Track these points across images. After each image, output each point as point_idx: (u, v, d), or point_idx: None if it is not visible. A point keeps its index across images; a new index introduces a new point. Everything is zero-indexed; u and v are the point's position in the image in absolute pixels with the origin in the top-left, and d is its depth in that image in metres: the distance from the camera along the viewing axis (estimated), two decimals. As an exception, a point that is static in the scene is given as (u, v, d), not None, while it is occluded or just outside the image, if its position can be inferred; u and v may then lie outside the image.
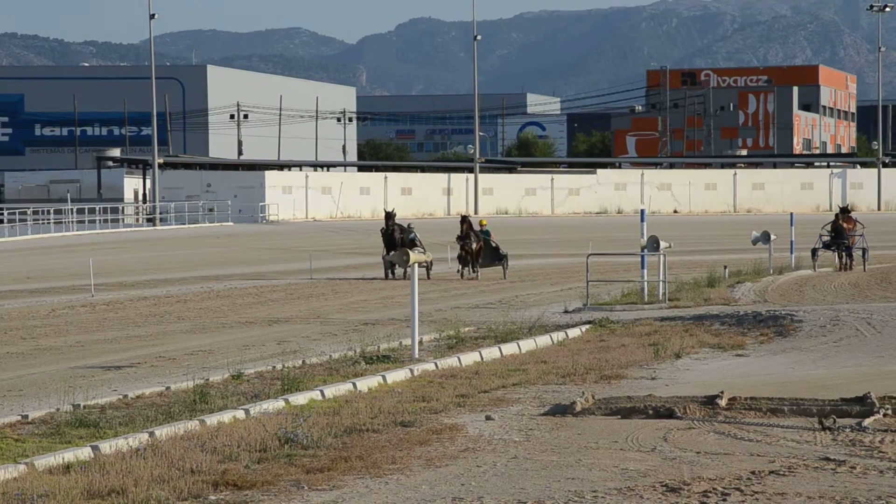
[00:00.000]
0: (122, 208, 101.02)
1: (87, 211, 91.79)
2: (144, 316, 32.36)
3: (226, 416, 15.68)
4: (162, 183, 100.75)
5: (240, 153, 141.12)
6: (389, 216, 47.89)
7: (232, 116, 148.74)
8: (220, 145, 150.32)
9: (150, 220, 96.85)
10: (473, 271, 45.61)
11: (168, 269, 50.43)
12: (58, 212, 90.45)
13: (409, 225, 47.44)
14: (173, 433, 14.62)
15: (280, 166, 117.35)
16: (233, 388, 18.35)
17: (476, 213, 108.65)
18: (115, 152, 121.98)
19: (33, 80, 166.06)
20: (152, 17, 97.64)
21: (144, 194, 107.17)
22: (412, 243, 45.31)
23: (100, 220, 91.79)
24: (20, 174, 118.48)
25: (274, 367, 20.53)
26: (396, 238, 46.47)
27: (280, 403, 16.77)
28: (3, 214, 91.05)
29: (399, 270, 44.74)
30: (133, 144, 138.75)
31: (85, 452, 13.51)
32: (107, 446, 13.79)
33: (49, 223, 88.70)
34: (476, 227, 46.10)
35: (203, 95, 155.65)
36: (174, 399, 17.17)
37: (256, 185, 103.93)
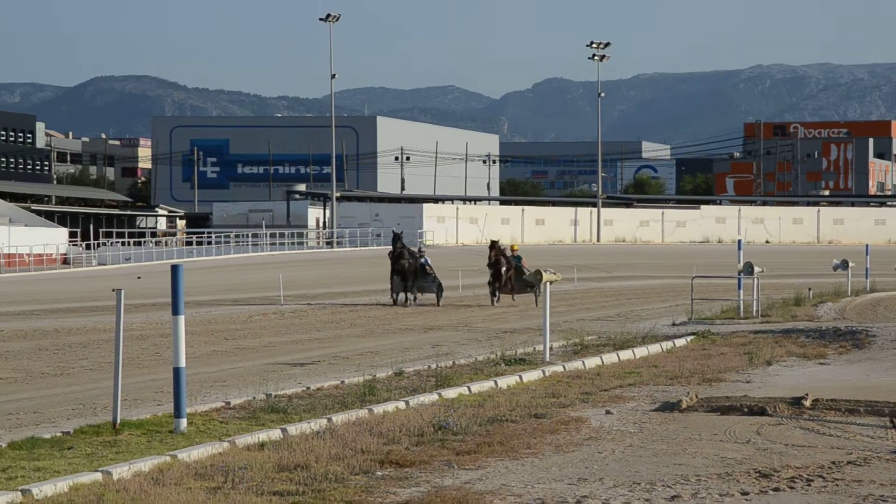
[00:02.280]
0: (306, 233, 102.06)
1: (277, 235, 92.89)
2: (323, 322, 32.62)
3: (390, 406, 15.72)
4: (339, 213, 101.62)
5: (402, 188, 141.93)
6: (397, 238, 39.96)
7: (396, 158, 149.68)
8: (386, 182, 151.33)
9: (329, 243, 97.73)
10: (495, 297, 38.62)
11: (343, 284, 50.84)
12: (254, 235, 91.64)
13: (420, 249, 41.07)
14: (347, 419, 14.67)
15: (435, 200, 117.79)
16: (395, 383, 18.41)
17: (598, 240, 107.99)
18: (301, 187, 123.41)
19: (237, 127, 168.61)
20: (333, 76, 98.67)
21: (324, 222, 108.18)
22: (423, 268, 39.09)
23: (288, 242, 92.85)
24: (225, 204, 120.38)
25: (429, 366, 20.55)
26: (404, 263, 38.63)
27: (434, 397, 16.78)
28: (211, 237, 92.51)
29: (407, 296, 38.74)
30: (316, 181, 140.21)
31: (276, 433, 13.61)
32: (293, 429, 13.88)
33: (247, 245, 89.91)
34: (509, 253, 40.03)
35: (373, 141, 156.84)
36: (347, 391, 17.23)
37: (416, 216, 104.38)
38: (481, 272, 44.26)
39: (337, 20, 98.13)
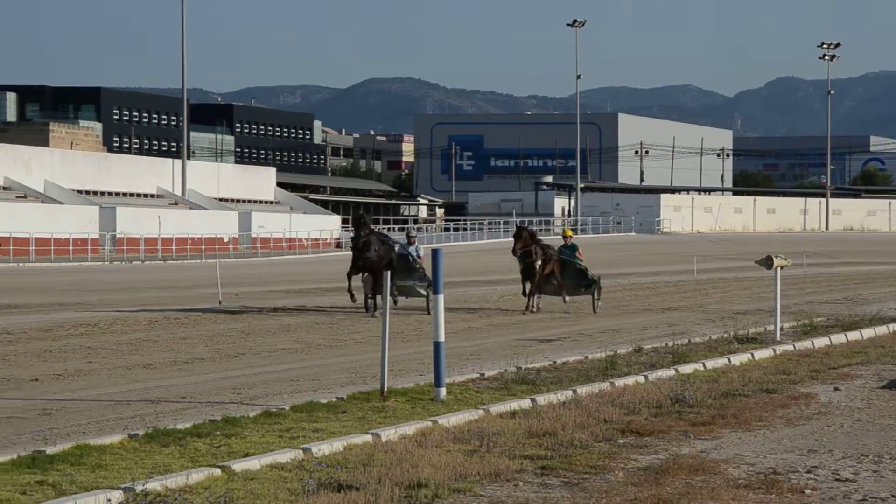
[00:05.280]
0: (553, 221, 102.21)
1: (527, 222, 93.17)
2: (568, 304, 32.47)
3: (630, 380, 15.63)
4: (582, 202, 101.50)
5: (641, 180, 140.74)
6: (361, 225, 25.89)
7: (636, 152, 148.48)
8: (626, 174, 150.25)
9: (573, 230, 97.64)
10: (528, 297, 27.17)
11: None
12: (506, 223, 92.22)
13: (408, 234, 27.90)
14: (590, 391, 14.65)
15: (672, 190, 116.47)
16: (635, 358, 18.28)
17: (826, 229, 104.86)
18: (548, 179, 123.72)
19: (491, 124, 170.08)
20: (578, 77, 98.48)
21: (569, 210, 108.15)
22: (404, 260, 26.48)
23: (536, 229, 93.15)
24: (479, 195, 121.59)
25: (666, 344, 20.33)
26: (371, 256, 25.58)
27: (671, 372, 16.62)
28: (466, 224, 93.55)
29: (376, 302, 25.62)
30: (561, 173, 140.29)
31: (526, 403, 13.67)
32: (541, 399, 13.91)
33: (500, 231, 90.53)
34: (559, 243, 28.48)
35: (614, 136, 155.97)
36: (590, 365, 17.18)
37: (653, 205, 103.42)
38: (717, 258, 43.43)
39: (583, 25, 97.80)
